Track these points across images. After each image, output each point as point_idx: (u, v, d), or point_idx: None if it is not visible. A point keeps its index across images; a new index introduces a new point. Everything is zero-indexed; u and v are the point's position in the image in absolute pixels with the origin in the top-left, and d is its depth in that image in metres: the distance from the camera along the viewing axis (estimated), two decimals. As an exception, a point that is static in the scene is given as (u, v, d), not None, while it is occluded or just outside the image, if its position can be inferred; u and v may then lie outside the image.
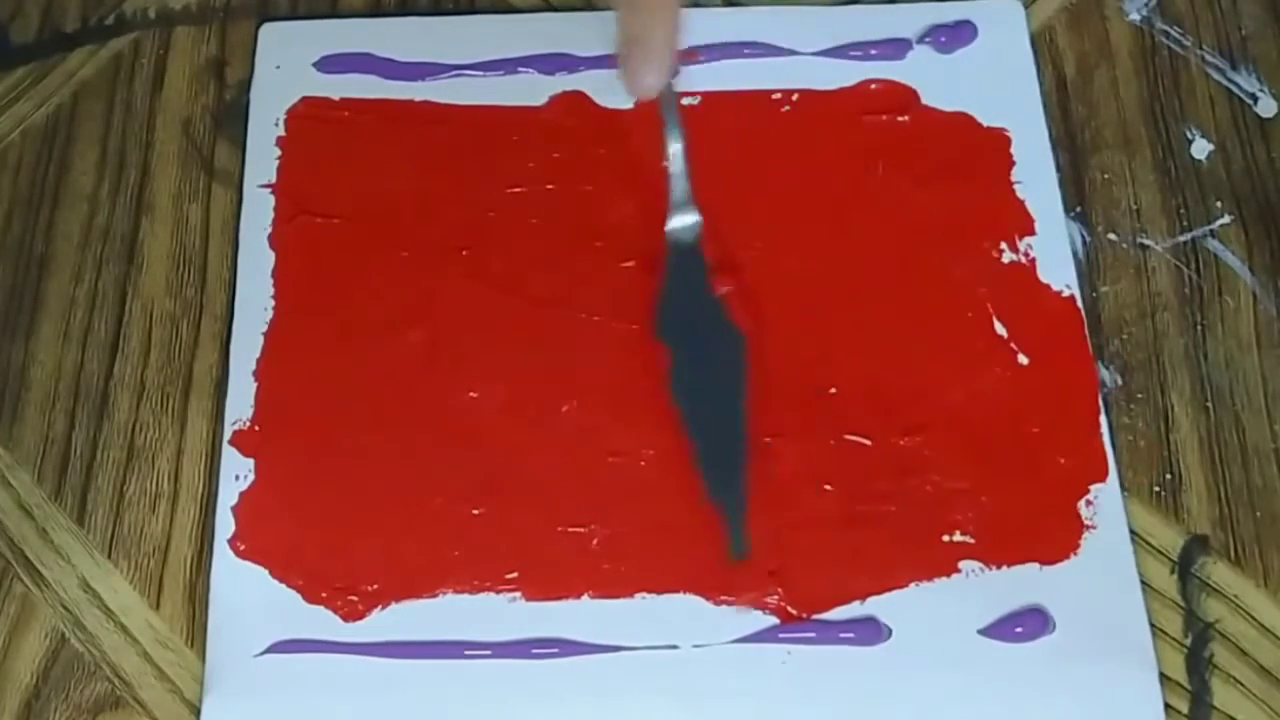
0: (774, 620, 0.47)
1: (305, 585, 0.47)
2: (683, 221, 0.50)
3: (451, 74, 0.56)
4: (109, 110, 0.57)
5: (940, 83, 0.55)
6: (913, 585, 0.47)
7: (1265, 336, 0.51)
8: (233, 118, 0.56)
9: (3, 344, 0.52)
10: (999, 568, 0.47)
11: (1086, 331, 0.51)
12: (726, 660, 0.46)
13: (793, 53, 0.56)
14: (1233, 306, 0.52)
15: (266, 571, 0.48)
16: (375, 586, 0.47)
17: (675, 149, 0.49)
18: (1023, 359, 0.50)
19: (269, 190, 0.54)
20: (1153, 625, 0.46)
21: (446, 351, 0.51)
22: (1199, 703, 0.46)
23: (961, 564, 0.47)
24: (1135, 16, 0.58)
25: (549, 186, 0.54)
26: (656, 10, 0.46)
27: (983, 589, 0.47)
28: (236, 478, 0.49)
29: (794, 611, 0.47)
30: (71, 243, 0.54)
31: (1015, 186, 0.53)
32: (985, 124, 0.55)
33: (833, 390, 0.50)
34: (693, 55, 0.56)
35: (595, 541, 0.48)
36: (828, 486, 0.48)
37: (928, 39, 0.56)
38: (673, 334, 0.50)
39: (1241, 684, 0.46)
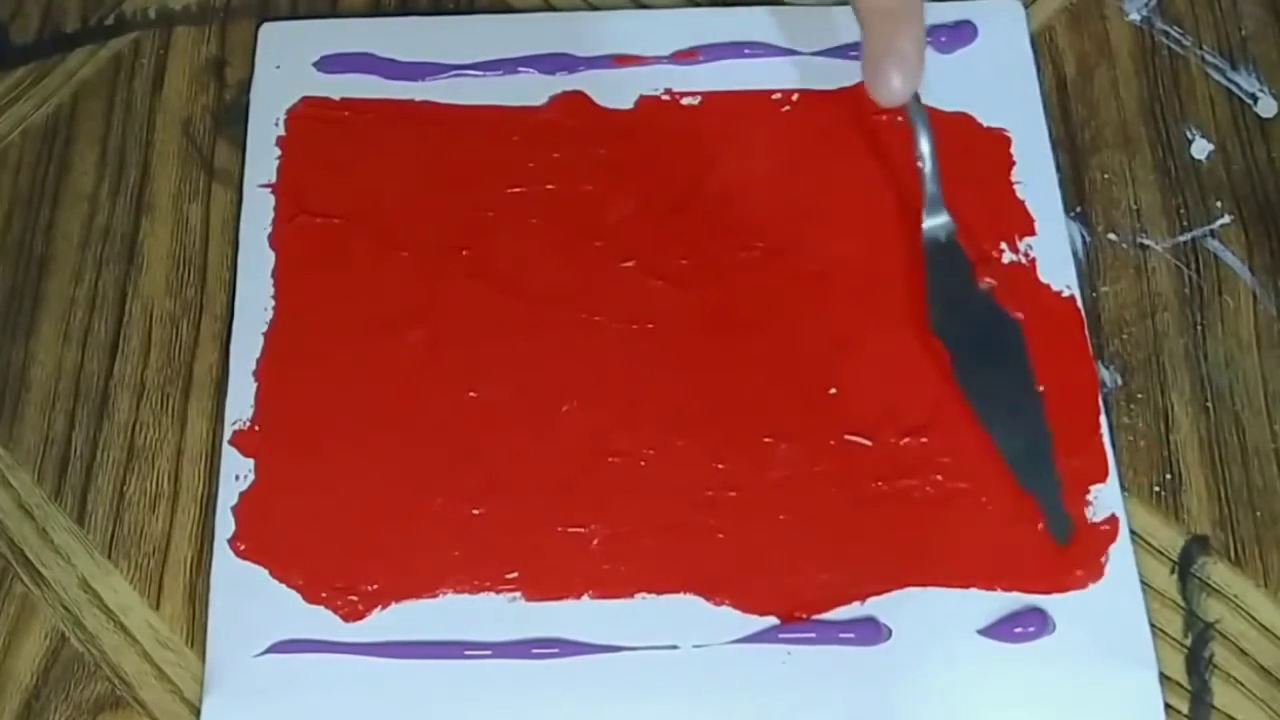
0: (774, 620, 0.47)
1: (305, 585, 0.47)
2: (937, 220, 0.51)
3: (451, 74, 0.56)
4: (109, 110, 0.57)
5: (940, 83, 0.55)
6: (913, 585, 0.47)
7: (1265, 336, 0.51)
8: (233, 118, 0.56)
9: (3, 344, 0.52)
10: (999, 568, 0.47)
11: (1086, 331, 0.51)
12: (726, 660, 0.46)
13: (793, 53, 0.56)
14: (1233, 306, 0.52)
15: (266, 571, 0.48)
16: (375, 586, 0.47)
17: (926, 149, 0.50)
18: (1023, 359, 0.50)
19: (269, 190, 0.54)
20: (1153, 625, 0.46)
21: (446, 351, 0.51)
22: (1199, 703, 0.46)
23: (962, 564, 0.47)
24: (1135, 16, 0.58)
25: (549, 186, 0.54)
26: (905, 20, 0.47)
27: (982, 589, 0.47)
28: (236, 478, 0.49)
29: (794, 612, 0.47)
30: (71, 243, 0.54)
31: (1015, 186, 0.53)
32: (985, 124, 0.55)
33: (833, 390, 0.50)
34: (693, 55, 0.56)
35: (595, 541, 0.48)
36: (828, 486, 0.48)
37: (928, 39, 0.56)
38: (948, 328, 0.50)
39: (1241, 684, 0.46)
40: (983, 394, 0.49)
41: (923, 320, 0.51)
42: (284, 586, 0.47)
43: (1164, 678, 0.46)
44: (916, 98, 0.49)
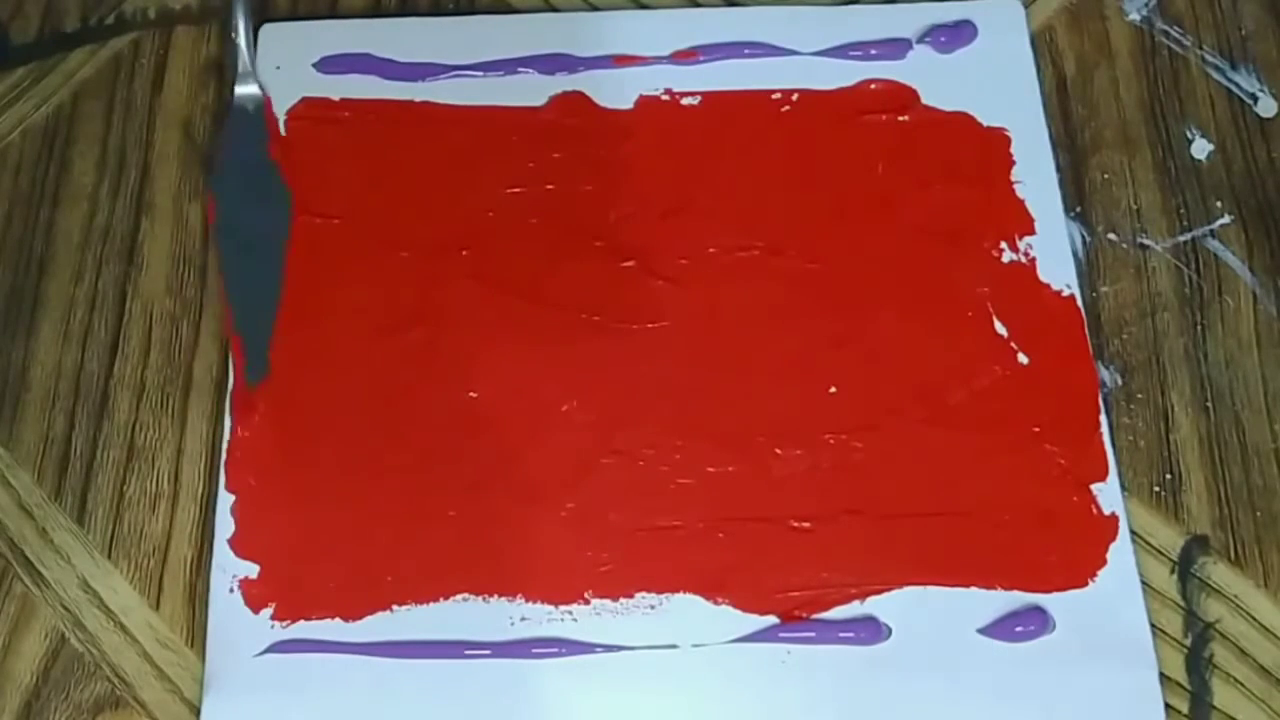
0: (774, 620, 0.47)
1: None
2: (248, 90, 0.55)
3: (451, 74, 0.56)
4: (109, 110, 0.57)
5: (940, 83, 0.55)
6: (913, 585, 0.47)
7: (1265, 336, 0.51)
8: (233, 118, 0.56)
9: (3, 344, 0.52)
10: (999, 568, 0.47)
11: (1086, 331, 0.51)
12: (726, 660, 0.46)
13: (793, 53, 0.56)
14: (1233, 306, 0.52)
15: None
16: (375, 587, 0.47)
17: (240, 23, 0.55)
18: (1023, 359, 0.50)
19: (269, 190, 0.54)
20: (1153, 625, 0.46)
21: (446, 351, 0.51)
22: (1199, 703, 0.46)
23: (962, 563, 0.47)
24: (1135, 16, 0.58)
25: (549, 186, 0.54)
26: None
27: (983, 588, 0.47)
28: (236, 477, 0.49)
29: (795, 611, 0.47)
30: (71, 243, 0.54)
31: (1015, 186, 0.54)
32: (985, 124, 0.55)
33: (833, 390, 0.50)
34: (693, 55, 0.56)
35: (595, 541, 0.48)
36: (828, 486, 0.48)
37: (928, 39, 0.56)
38: (224, 186, 0.54)
39: (1241, 684, 0.46)
40: (234, 247, 0.53)
41: (919, 317, 0.51)
42: (284, 586, 0.47)
43: (1164, 678, 0.46)
44: None
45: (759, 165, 0.54)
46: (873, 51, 0.56)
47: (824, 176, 0.54)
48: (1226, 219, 0.53)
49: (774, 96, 0.56)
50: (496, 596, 0.47)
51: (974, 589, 0.47)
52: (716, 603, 0.47)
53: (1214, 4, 0.58)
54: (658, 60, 0.56)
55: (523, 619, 0.47)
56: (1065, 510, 0.48)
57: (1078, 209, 0.54)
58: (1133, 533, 0.48)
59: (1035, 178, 0.54)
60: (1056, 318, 0.51)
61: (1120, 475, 0.49)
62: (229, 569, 0.47)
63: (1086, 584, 0.47)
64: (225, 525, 0.48)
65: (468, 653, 0.46)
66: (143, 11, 0.59)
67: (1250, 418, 0.50)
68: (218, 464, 0.49)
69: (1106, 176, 0.54)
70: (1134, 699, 0.45)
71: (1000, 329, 0.51)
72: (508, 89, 0.56)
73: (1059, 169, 0.54)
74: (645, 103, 0.55)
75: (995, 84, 0.55)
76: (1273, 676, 0.46)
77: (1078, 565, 0.47)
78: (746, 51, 0.56)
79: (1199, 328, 0.52)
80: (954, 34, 0.56)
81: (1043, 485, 0.48)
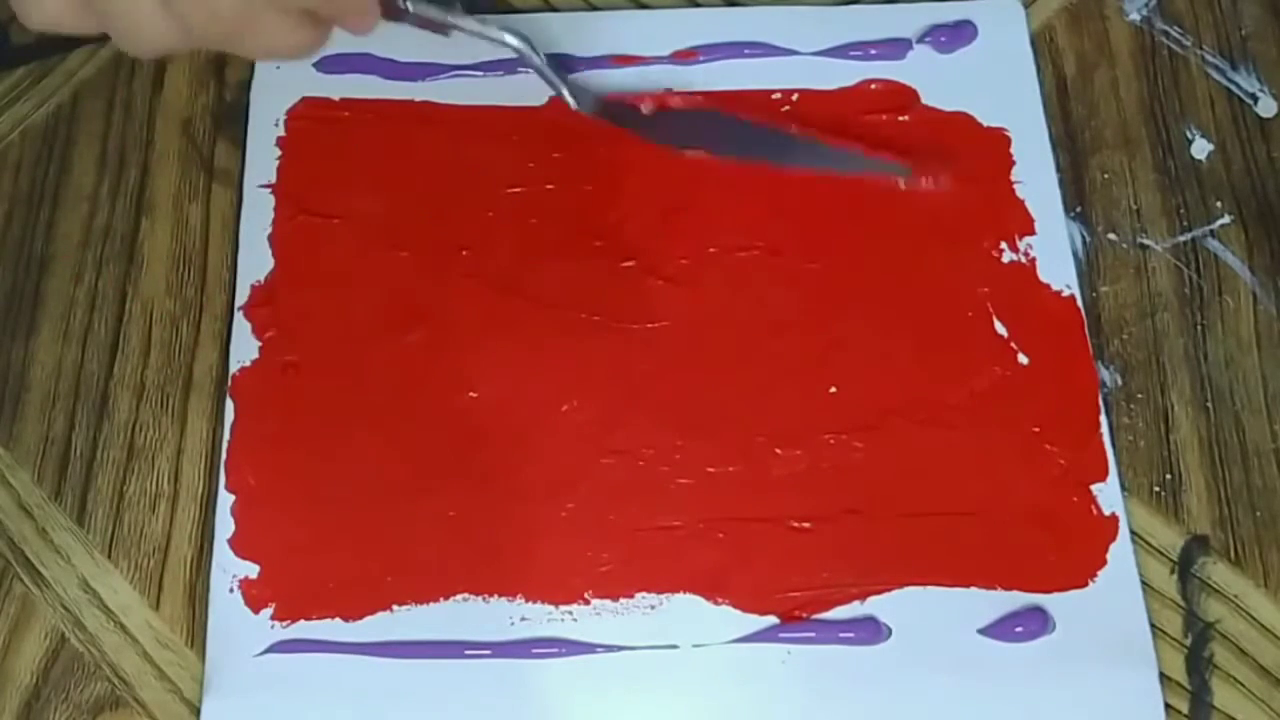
0: (774, 620, 0.47)
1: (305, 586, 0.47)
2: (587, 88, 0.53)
3: (451, 74, 0.56)
4: (109, 110, 0.57)
5: (940, 83, 0.55)
6: (912, 585, 0.47)
7: (1265, 336, 0.51)
8: (233, 118, 0.56)
9: (3, 344, 0.52)
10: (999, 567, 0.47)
11: (1086, 331, 0.51)
12: (726, 660, 0.46)
13: (793, 53, 0.56)
14: (1233, 306, 0.52)
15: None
16: (375, 587, 0.47)
17: (518, 44, 0.50)
18: (1023, 359, 0.50)
19: (269, 190, 0.54)
20: (1153, 625, 0.46)
21: (446, 351, 0.51)
22: (1199, 703, 0.46)
23: (962, 563, 0.47)
24: (1135, 16, 0.58)
25: (549, 186, 0.54)
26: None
27: (983, 588, 0.47)
28: (236, 477, 0.49)
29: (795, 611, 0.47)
30: (71, 243, 0.54)
31: (1015, 186, 0.54)
32: (985, 124, 0.55)
33: (833, 390, 0.50)
34: (693, 55, 0.56)
35: (595, 541, 0.48)
36: (828, 486, 0.48)
37: (928, 39, 0.56)
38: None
39: (1241, 684, 0.46)
40: None
41: (919, 317, 0.51)
42: (284, 586, 0.47)
43: (1164, 678, 0.46)
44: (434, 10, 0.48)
45: (759, 165, 0.54)
46: (873, 51, 0.56)
47: (823, 176, 0.54)
48: (1226, 219, 0.53)
49: (774, 96, 0.56)
50: (496, 596, 0.47)
51: (974, 589, 0.47)
52: (716, 603, 0.47)
53: (1214, 4, 0.58)
54: (658, 60, 0.56)
55: (523, 619, 0.47)
56: (1065, 510, 0.48)
57: (1078, 209, 0.54)
58: (1133, 533, 0.48)
59: (1035, 178, 0.54)
60: (1056, 318, 0.51)
61: (1120, 475, 0.49)
62: (229, 569, 0.48)
63: (1086, 584, 0.47)
64: (225, 525, 0.48)
65: (468, 653, 0.46)
66: (143, 11, 0.59)
67: (1250, 418, 0.50)
68: (218, 464, 0.49)
69: (1106, 176, 0.54)
70: (1134, 699, 0.45)
71: (1000, 329, 0.51)
72: (508, 89, 0.56)
73: (1059, 169, 0.54)
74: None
75: (995, 84, 0.55)
76: (1273, 676, 0.46)
77: (1078, 565, 0.47)
78: (746, 51, 0.56)
79: (1199, 328, 0.52)
80: (954, 34, 0.56)
81: (1043, 485, 0.48)
